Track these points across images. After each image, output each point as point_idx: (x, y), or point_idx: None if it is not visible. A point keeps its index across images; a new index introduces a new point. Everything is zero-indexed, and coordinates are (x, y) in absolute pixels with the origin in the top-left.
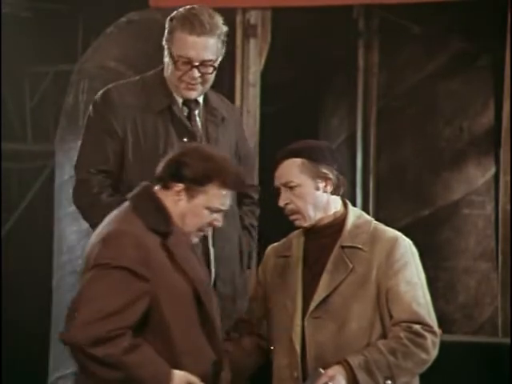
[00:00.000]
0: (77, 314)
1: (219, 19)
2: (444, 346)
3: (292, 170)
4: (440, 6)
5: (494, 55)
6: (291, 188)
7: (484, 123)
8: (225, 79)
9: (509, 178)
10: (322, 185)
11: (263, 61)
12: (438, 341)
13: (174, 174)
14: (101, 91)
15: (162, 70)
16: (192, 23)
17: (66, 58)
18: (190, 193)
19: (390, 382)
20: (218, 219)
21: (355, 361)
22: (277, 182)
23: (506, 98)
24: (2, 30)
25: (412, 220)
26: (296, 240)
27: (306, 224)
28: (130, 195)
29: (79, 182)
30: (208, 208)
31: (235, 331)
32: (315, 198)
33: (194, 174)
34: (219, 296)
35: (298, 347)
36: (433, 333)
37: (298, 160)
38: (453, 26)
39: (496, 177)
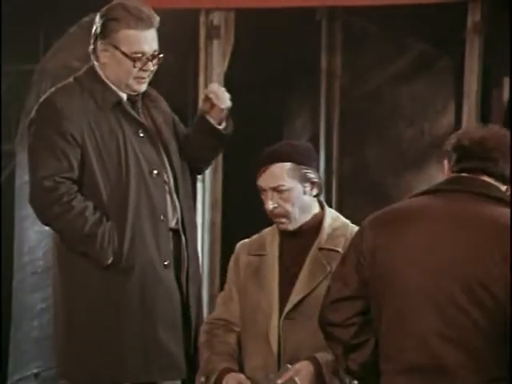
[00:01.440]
0: None
1: (150, 9)
2: None
3: (282, 174)
4: (402, 10)
5: (453, 57)
6: (280, 192)
7: (444, 124)
8: (189, 80)
9: None
10: (308, 188)
11: (227, 62)
12: None
13: None
14: (43, 97)
15: (91, 69)
16: (138, 19)
17: (27, 57)
18: None
19: (356, 382)
20: None
21: (323, 358)
22: (264, 185)
23: (465, 99)
24: None
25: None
26: (270, 239)
27: (291, 227)
28: None
29: (45, 191)
30: None
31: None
32: (302, 201)
33: None
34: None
35: (275, 348)
36: None
37: (288, 164)
38: (414, 29)
39: None
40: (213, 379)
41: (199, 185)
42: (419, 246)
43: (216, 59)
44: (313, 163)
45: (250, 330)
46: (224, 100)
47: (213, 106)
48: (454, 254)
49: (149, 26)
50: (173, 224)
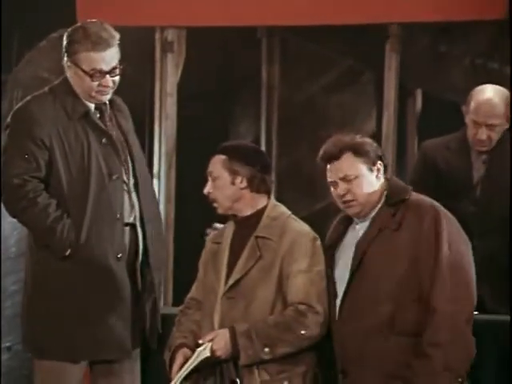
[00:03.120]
0: None
1: (111, 29)
2: None
3: (216, 164)
4: (333, 29)
5: (375, 72)
6: (213, 179)
7: (368, 129)
8: (146, 89)
9: (388, 177)
10: (237, 181)
11: (179, 73)
12: (322, 321)
13: None
14: (19, 105)
15: (65, 80)
16: (95, 42)
17: (1, 68)
18: None
19: (267, 349)
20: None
21: (240, 328)
22: (207, 171)
23: (385, 108)
24: None
25: (307, 213)
26: (228, 229)
27: (220, 211)
28: None
29: (14, 187)
30: None
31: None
32: (229, 190)
33: None
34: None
35: (216, 324)
36: (316, 313)
37: (222, 157)
38: (342, 47)
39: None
40: (169, 354)
41: (155, 181)
42: None
43: (170, 70)
44: (249, 161)
45: (205, 309)
46: None
47: None
48: None
49: (105, 47)
50: (130, 220)
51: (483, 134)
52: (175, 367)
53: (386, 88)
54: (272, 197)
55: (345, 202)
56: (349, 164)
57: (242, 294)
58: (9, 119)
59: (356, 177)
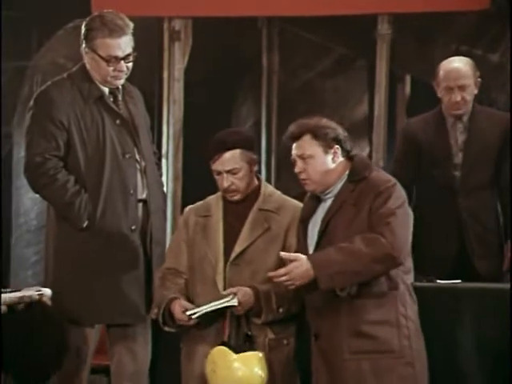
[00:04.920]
0: None
1: (126, 18)
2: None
3: (235, 159)
4: (327, 20)
5: (367, 59)
6: (234, 173)
7: (360, 112)
8: (155, 75)
9: (380, 156)
10: (253, 167)
11: (186, 60)
12: None
13: None
14: (40, 89)
15: (82, 66)
16: (112, 29)
17: (22, 55)
18: None
19: (281, 309)
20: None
21: (261, 288)
22: (220, 169)
23: (376, 92)
24: None
25: (302, 190)
26: (215, 203)
27: (239, 198)
28: None
29: (36, 165)
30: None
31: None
32: (248, 177)
33: None
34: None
35: (220, 286)
36: None
37: (237, 151)
38: (337, 36)
39: (370, 155)
40: (162, 307)
41: (164, 160)
42: None
43: (177, 58)
44: (255, 147)
45: (197, 276)
46: None
47: None
48: None
49: (121, 34)
50: (143, 196)
51: (457, 96)
52: (178, 309)
53: (378, 73)
54: (260, 176)
55: (301, 180)
56: (306, 145)
57: (248, 262)
58: (31, 102)
59: (311, 157)
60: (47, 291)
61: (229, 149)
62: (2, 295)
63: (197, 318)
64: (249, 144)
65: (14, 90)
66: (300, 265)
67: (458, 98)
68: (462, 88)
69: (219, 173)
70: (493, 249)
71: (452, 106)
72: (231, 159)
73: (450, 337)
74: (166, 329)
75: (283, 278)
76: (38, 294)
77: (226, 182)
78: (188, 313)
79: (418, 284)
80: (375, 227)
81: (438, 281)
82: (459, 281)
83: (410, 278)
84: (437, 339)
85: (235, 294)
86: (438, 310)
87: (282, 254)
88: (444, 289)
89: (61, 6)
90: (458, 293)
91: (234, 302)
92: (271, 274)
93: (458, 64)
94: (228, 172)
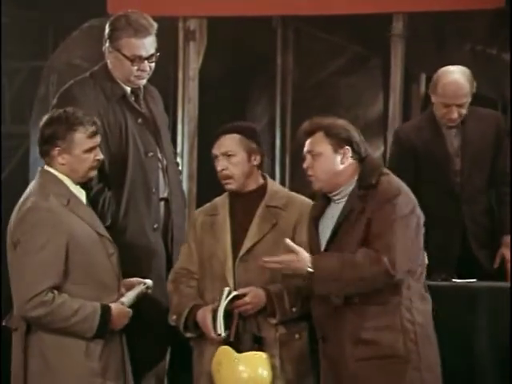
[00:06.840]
0: None
1: (150, 18)
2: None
3: (231, 143)
4: (341, 19)
5: (382, 58)
6: (228, 156)
7: (375, 111)
8: (170, 74)
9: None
10: (252, 158)
11: (201, 60)
12: None
13: None
14: (63, 88)
15: (104, 66)
16: (136, 29)
17: (38, 56)
18: None
19: (294, 309)
20: None
21: (272, 288)
22: (217, 151)
23: (391, 91)
24: None
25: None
26: (222, 202)
27: (234, 187)
28: None
29: None
30: None
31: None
32: (245, 166)
33: None
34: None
35: (231, 282)
36: None
37: (236, 135)
38: (351, 35)
39: (384, 154)
40: (185, 314)
41: (178, 159)
42: None
43: (192, 57)
44: (260, 141)
45: (207, 273)
46: None
47: None
48: None
49: (146, 35)
50: (165, 195)
51: (454, 113)
52: (208, 321)
53: (393, 73)
54: (266, 175)
55: (308, 176)
56: (317, 141)
57: (256, 258)
58: (54, 101)
59: (319, 154)
60: (149, 282)
61: (227, 132)
62: (126, 298)
63: (224, 330)
64: (248, 131)
65: (30, 89)
66: (297, 260)
67: (455, 116)
68: (459, 105)
69: (216, 156)
70: (493, 249)
71: (447, 120)
72: (227, 142)
73: (464, 336)
74: (188, 335)
75: (275, 266)
76: (146, 287)
77: (220, 165)
78: (218, 333)
79: (433, 283)
80: (377, 241)
81: (453, 280)
82: (474, 280)
83: (419, 281)
84: (451, 338)
85: (245, 293)
86: (453, 309)
87: (287, 241)
88: (459, 287)
89: (76, 6)
90: (472, 291)
91: (231, 291)
92: (266, 258)
93: (457, 79)
94: (223, 155)
